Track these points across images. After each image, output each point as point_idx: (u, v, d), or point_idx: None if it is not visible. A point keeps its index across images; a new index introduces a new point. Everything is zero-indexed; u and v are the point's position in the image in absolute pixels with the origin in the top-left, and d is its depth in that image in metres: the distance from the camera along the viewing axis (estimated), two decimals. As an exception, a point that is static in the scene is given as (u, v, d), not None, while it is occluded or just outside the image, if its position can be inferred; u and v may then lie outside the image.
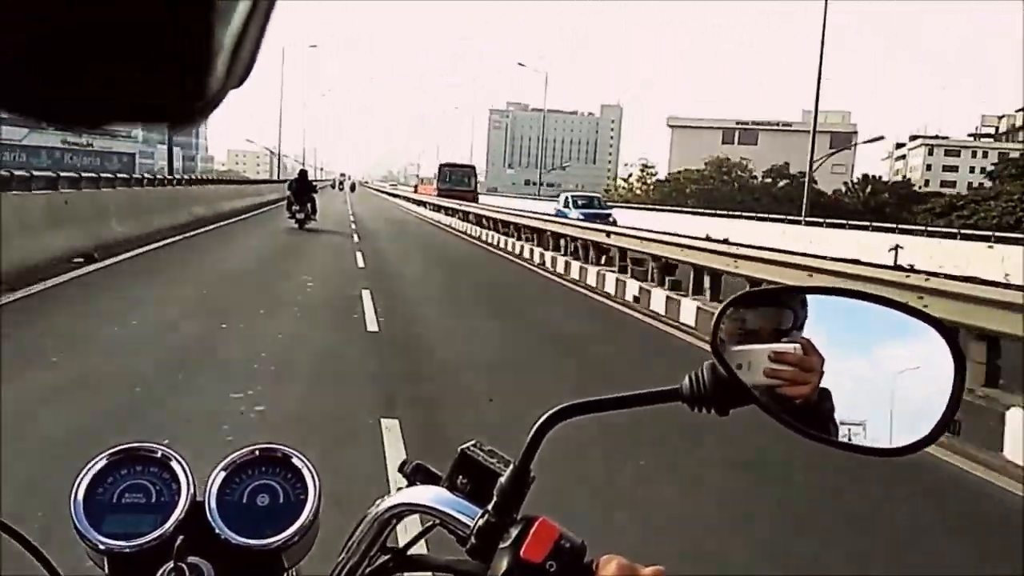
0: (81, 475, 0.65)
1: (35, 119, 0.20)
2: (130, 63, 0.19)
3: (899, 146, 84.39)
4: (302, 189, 18.53)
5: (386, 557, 0.61)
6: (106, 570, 0.63)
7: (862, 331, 0.59)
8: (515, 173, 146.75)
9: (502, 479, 0.57)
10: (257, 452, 0.68)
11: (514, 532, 0.54)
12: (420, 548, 0.63)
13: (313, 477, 0.67)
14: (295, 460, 0.68)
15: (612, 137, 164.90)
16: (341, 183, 79.20)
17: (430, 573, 0.62)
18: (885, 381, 0.57)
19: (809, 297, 0.59)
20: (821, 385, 0.56)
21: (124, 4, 0.18)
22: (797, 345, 0.57)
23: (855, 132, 79.16)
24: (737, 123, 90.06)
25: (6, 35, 0.18)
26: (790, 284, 0.65)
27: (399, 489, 0.61)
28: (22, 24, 0.18)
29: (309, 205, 18.41)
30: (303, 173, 19.79)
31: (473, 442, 0.61)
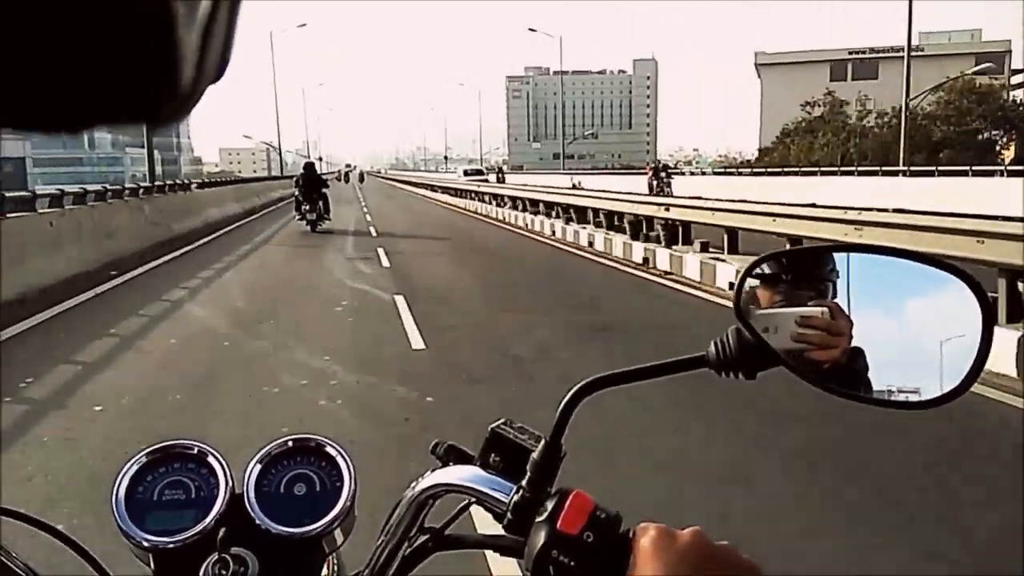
0: (120, 475, 0.75)
1: (5, 127, 0.22)
2: (97, 64, 0.21)
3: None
4: (311, 184, 17.65)
5: (425, 537, 0.70)
6: (152, 567, 0.73)
7: (889, 286, 0.65)
8: (541, 147, 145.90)
9: (534, 454, 0.65)
10: (291, 443, 0.77)
11: (549, 506, 0.61)
12: (457, 527, 0.72)
13: (347, 464, 0.76)
14: (329, 449, 0.77)
15: (648, 96, 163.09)
16: (347, 174, 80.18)
17: (469, 551, 0.70)
18: (915, 335, 0.64)
19: (834, 255, 0.66)
20: (852, 345, 0.63)
21: (82, 6, 0.20)
22: (825, 309, 0.63)
23: (1008, 52, 63.09)
24: (850, 52, 71.74)
25: None
26: (814, 245, 0.71)
27: (433, 470, 0.70)
28: None
29: (320, 203, 17.61)
30: (309, 166, 18.87)
31: (503, 420, 0.69)
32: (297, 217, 17.79)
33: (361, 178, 73.51)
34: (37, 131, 0.23)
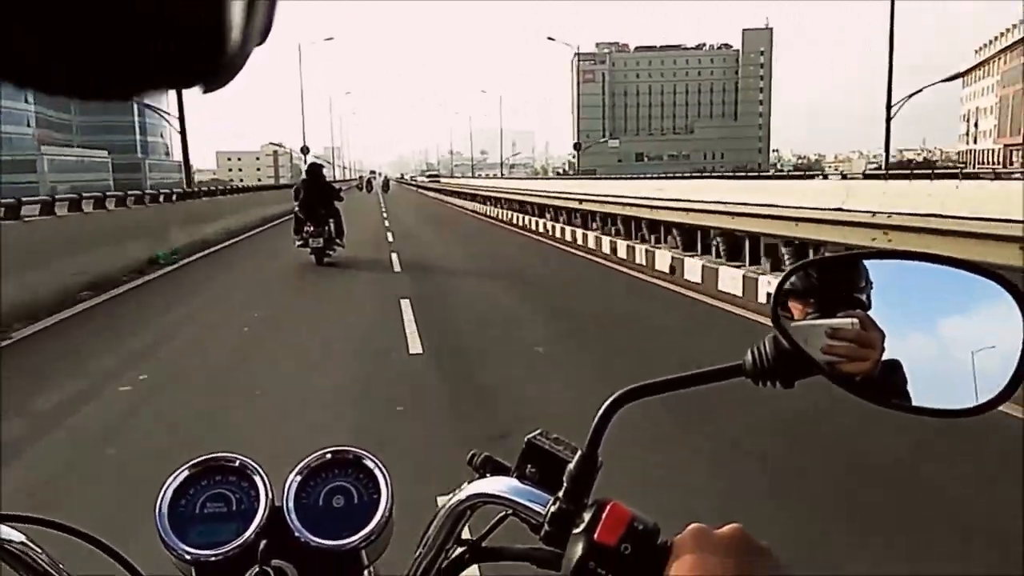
0: (164, 488, 0.97)
1: (59, 94, 0.26)
2: (142, 27, 0.25)
3: None
4: (316, 197, 15.48)
5: (462, 549, 0.90)
6: None
7: (926, 292, 0.82)
8: (620, 146, 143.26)
9: (570, 465, 0.83)
10: (329, 455, 0.99)
11: (587, 517, 0.77)
12: (494, 539, 0.91)
13: (385, 477, 0.97)
14: (367, 461, 0.98)
15: (761, 77, 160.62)
16: (369, 182, 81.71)
17: (506, 562, 0.89)
18: (952, 344, 0.80)
19: (869, 263, 0.83)
20: (887, 357, 0.79)
21: None
22: (855, 320, 0.79)
23: None
24: None
25: (20, 12, 0.24)
26: (849, 252, 0.84)
27: (470, 482, 0.89)
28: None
29: (331, 223, 15.58)
30: (314, 171, 16.23)
31: (539, 431, 0.88)
32: (297, 242, 15.59)
33: (385, 186, 75.00)
34: (84, 98, 0.27)
